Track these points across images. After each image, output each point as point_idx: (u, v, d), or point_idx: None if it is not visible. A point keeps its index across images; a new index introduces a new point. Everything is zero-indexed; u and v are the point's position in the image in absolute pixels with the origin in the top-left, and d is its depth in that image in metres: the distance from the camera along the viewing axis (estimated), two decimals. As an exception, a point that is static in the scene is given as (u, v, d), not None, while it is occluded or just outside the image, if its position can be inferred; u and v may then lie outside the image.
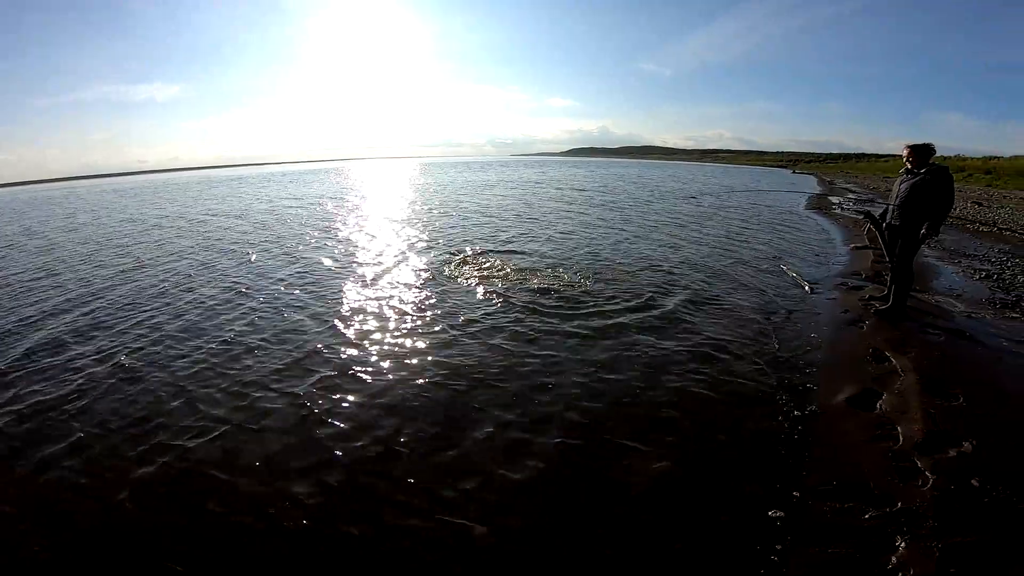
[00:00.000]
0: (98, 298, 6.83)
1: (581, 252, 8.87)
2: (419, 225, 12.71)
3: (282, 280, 7.37)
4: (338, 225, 13.26)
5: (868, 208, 12.63)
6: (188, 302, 6.46)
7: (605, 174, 43.19)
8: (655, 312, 5.63)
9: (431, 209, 16.57)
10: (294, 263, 8.50)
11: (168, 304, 6.40)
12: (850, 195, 24.18)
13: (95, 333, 5.43)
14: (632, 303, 5.91)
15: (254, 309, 6.07)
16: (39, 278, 8.16)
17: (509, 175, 40.77)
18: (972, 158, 39.62)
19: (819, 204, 18.51)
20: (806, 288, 6.63)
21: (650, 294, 6.28)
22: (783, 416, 3.42)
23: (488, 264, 7.93)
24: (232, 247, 10.36)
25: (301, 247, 10.03)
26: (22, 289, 7.60)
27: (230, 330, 5.38)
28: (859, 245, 9.48)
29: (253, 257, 9.18)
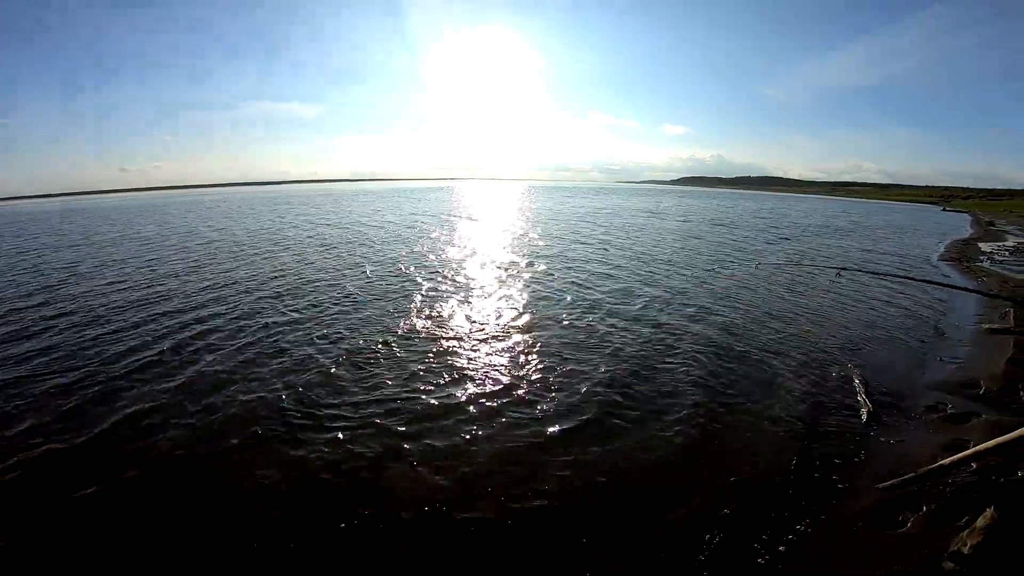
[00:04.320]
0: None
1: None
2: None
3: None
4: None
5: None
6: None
7: (709, 207, 40.48)
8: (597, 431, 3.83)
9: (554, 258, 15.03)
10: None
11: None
12: (1010, 240, 19.92)
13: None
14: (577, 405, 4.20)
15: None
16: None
17: (619, 204, 39.95)
18: None
19: (961, 253, 15.24)
20: (863, 414, 4.14)
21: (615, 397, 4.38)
22: None
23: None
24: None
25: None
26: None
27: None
28: (996, 327, 6.70)
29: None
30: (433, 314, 7.04)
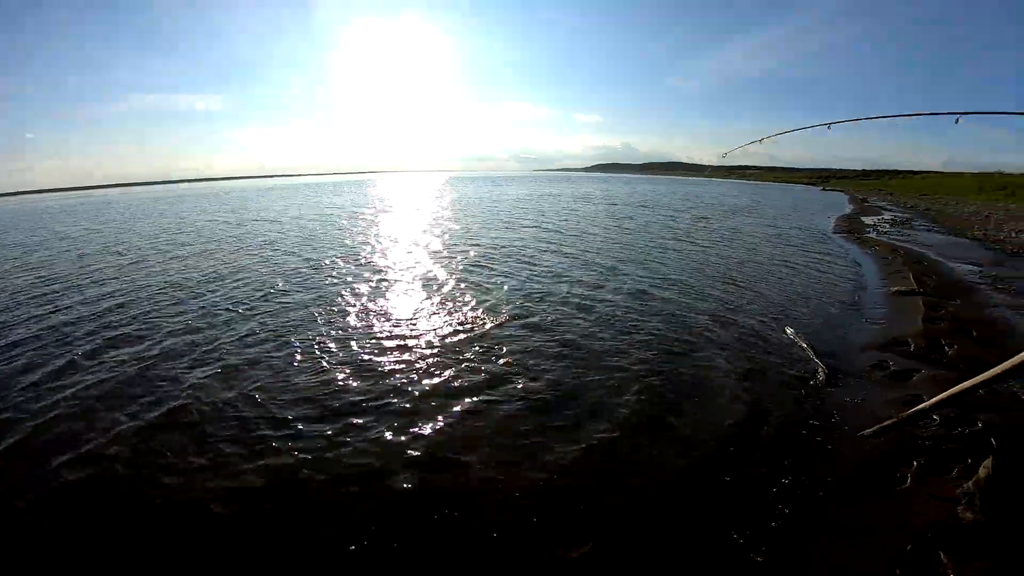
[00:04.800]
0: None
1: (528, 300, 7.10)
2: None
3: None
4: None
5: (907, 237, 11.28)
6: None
7: (629, 191, 42.46)
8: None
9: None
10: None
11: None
12: (886, 214, 22.74)
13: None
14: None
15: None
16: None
17: (544, 190, 40.57)
18: (1015, 174, 37.60)
19: (850, 227, 17.07)
20: (820, 376, 4.39)
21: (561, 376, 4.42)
22: None
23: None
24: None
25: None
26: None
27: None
28: (902, 289, 7.40)
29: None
30: (404, 312, 6.54)
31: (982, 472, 2.39)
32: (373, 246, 12.09)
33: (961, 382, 3.58)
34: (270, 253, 11.12)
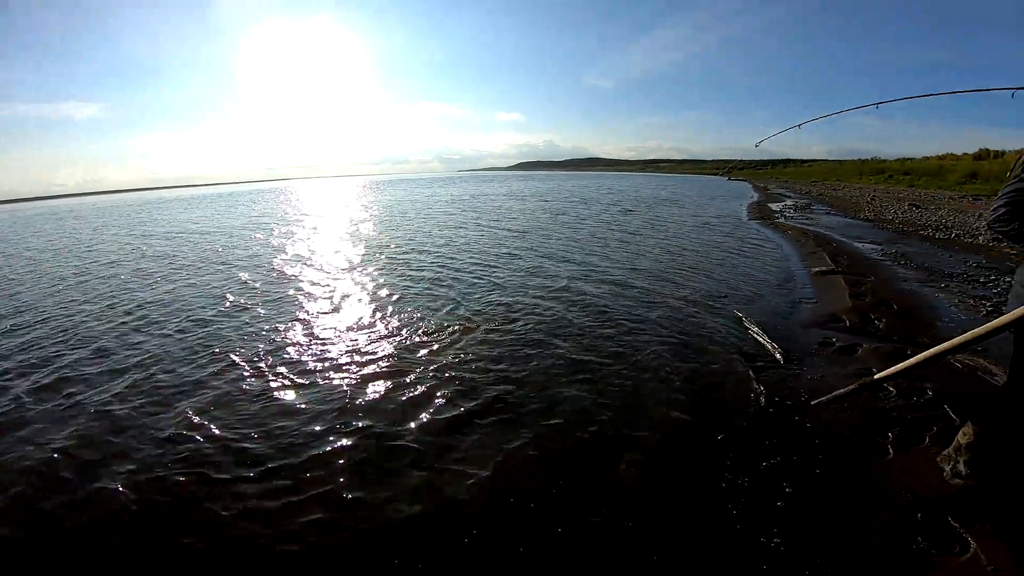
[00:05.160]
0: None
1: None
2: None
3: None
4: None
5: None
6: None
7: (556, 187, 43.41)
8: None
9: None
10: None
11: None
12: (788, 200, 24.97)
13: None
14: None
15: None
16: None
17: (474, 190, 40.46)
18: (889, 160, 42.74)
19: (761, 213, 18.46)
20: (779, 357, 4.61)
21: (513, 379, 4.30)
22: None
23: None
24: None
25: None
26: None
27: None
28: (823, 269, 8.08)
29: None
30: (386, 325, 5.99)
31: (962, 438, 2.62)
32: (321, 255, 11.34)
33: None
34: (211, 268, 10.00)
